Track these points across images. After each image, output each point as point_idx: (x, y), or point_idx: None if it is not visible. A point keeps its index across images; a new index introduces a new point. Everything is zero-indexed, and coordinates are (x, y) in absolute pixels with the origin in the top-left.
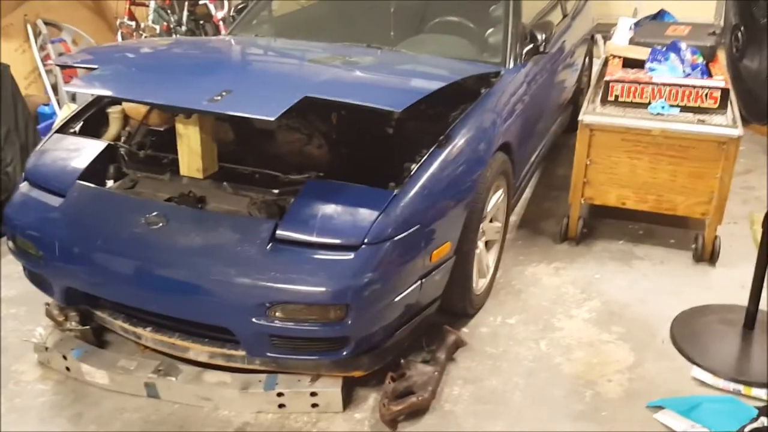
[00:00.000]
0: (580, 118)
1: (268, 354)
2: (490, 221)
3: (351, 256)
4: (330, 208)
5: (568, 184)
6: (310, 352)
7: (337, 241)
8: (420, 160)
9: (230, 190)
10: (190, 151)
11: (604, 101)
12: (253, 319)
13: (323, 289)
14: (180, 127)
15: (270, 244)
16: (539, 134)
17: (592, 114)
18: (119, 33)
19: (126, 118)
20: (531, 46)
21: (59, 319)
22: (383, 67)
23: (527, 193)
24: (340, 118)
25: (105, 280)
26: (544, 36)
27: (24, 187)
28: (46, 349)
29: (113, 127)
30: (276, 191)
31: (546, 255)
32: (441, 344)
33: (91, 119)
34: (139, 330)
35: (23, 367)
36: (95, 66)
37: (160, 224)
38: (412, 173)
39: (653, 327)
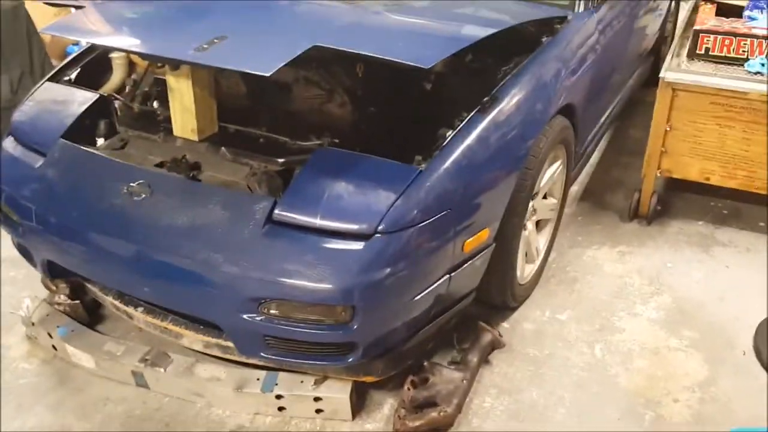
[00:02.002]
0: (661, 74)
1: (262, 354)
2: (544, 197)
3: (360, 246)
4: (340, 186)
5: (642, 150)
6: (309, 355)
7: (345, 227)
8: (458, 126)
9: (229, 157)
10: (183, 108)
11: (692, 55)
12: (243, 316)
13: (324, 285)
14: (171, 80)
15: (265, 227)
16: (612, 91)
17: (676, 70)
18: None
19: (132, 65)
20: None
21: (52, 289)
22: (425, 9)
23: (594, 158)
24: (368, 71)
25: (81, 256)
26: None
27: (8, 143)
28: (33, 323)
29: (116, 75)
30: (281, 160)
31: (610, 235)
32: (474, 344)
33: (92, 65)
34: (130, 309)
35: (11, 341)
36: (83, 5)
37: (143, 195)
38: (444, 144)
39: (733, 334)
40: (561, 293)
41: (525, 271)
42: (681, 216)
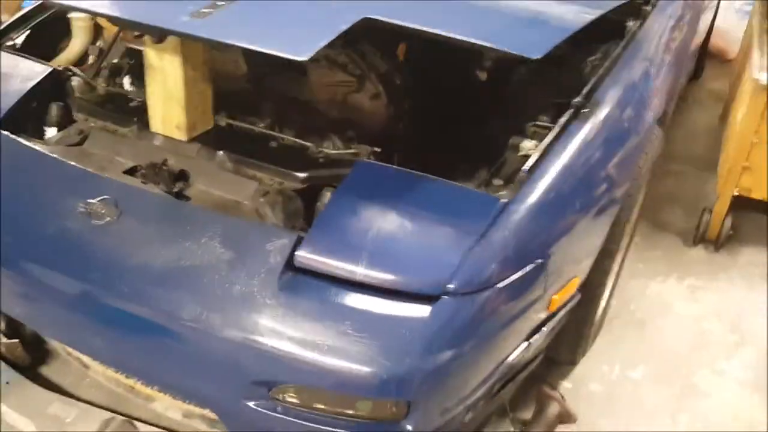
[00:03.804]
0: (755, 76)
1: None
2: None
3: (426, 312)
4: (392, 219)
5: (694, 155)
6: None
7: (400, 283)
8: (542, 136)
9: (229, 166)
10: (167, 95)
11: None
12: (247, 402)
13: (367, 369)
14: (151, 57)
15: (283, 276)
16: (676, 92)
17: None
18: None
19: (98, 29)
20: None
21: None
22: None
23: None
24: (412, 52)
25: (17, 294)
26: None
27: None
28: None
29: (76, 42)
30: (302, 175)
31: (675, 264)
32: (538, 416)
33: (45, 27)
34: (85, 358)
35: None
36: None
37: (107, 218)
38: (532, 163)
39: None
40: (629, 340)
41: None
42: (751, 242)
